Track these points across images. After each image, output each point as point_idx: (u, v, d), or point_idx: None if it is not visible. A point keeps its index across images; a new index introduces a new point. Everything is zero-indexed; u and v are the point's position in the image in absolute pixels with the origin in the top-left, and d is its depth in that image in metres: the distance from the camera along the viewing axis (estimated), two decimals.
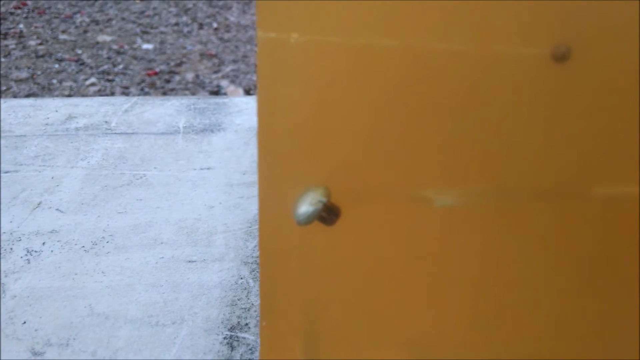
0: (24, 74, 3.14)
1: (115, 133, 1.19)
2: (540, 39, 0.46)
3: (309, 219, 0.51)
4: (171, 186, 1.01)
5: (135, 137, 1.18)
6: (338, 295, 0.57)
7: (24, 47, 3.59)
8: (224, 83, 3.12)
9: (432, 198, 0.52)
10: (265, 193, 0.52)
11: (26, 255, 0.83)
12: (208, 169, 1.07)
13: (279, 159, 0.50)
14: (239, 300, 0.74)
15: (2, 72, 3.16)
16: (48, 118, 1.26)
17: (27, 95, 2.88)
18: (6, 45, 3.52)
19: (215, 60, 3.42)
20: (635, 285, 0.55)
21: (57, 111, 1.29)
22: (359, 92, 0.47)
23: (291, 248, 0.55)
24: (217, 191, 0.99)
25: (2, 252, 0.83)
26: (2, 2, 3.59)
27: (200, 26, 3.95)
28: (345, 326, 0.60)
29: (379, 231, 0.53)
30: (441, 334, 0.60)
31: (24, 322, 0.71)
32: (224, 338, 0.68)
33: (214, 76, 3.23)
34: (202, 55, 3.53)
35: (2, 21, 3.80)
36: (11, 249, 0.85)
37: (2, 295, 0.75)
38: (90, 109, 1.31)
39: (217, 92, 2.99)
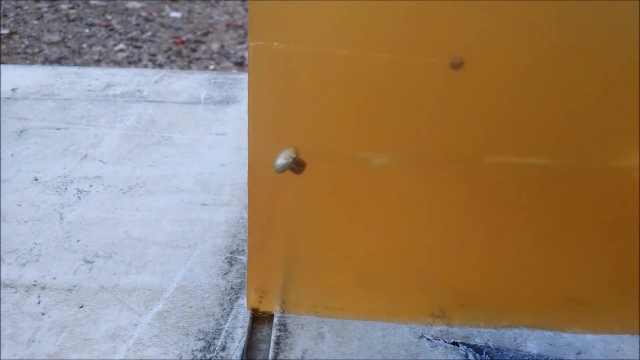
0: (55, 37, 3.43)
1: (146, 101, 1.49)
2: (443, 52, 0.73)
3: (283, 169, 0.79)
4: (192, 147, 1.30)
5: (164, 105, 1.48)
6: (305, 228, 0.85)
7: (56, 11, 3.87)
8: None
9: (371, 158, 0.79)
10: (253, 153, 0.79)
11: (77, 193, 1.14)
12: (222, 134, 1.36)
13: (263, 130, 0.78)
14: (239, 233, 1.03)
15: (34, 34, 3.46)
16: (90, 85, 1.56)
17: (59, 58, 3.16)
18: (39, 8, 3.81)
19: (241, 31, 3.66)
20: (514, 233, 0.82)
21: (97, 79, 1.59)
22: (318, 85, 0.75)
23: (270, 192, 0.83)
24: (229, 153, 1.28)
25: (59, 190, 1.14)
26: None
27: None
28: (311, 253, 0.87)
29: (333, 179, 0.81)
30: (382, 258, 0.87)
31: (78, 240, 1.01)
32: (225, 258, 0.98)
33: (238, 47, 3.47)
34: (228, 25, 3.76)
35: None
36: (65, 188, 1.15)
37: (60, 221, 1.05)
38: (125, 78, 1.61)
39: (241, 63, 3.24)
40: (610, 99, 0.75)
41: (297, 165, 0.79)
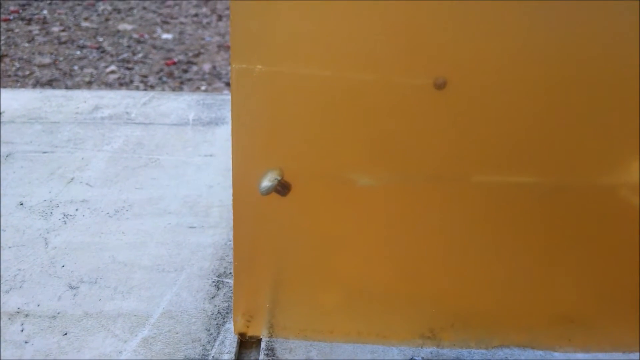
0: (46, 60, 3.42)
1: (134, 123, 1.48)
2: (427, 72, 0.73)
3: (268, 191, 0.78)
4: (179, 169, 1.30)
5: (152, 126, 1.47)
6: (291, 251, 0.84)
7: (47, 33, 3.86)
8: None
9: (357, 179, 0.79)
10: (237, 176, 0.78)
11: (63, 218, 1.12)
12: (211, 155, 1.35)
13: (247, 152, 0.77)
14: (226, 256, 1.02)
15: (25, 57, 3.45)
16: (78, 107, 1.55)
17: (50, 81, 3.15)
18: (30, 31, 3.81)
19: None
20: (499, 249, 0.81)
21: (85, 102, 1.59)
22: (302, 106, 0.74)
23: (255, 214, 0.82)
24: (217, 174, 1.28)
25: (44, 215, 1.12)
26: None
27: (219, 18, 4.16)
28: (298, 275, 0.86)
29: (319, 201, 0.80)
30: (370, 279, 0.86)
31: (63, 266, 1.00)
32: (213, 282, 0.96)
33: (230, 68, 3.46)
34: (220, 46, 3.76)
35: (26, 7, 4.06)
36: (51, 213, 1.14)
37: (45, 246, 1.04)
38: (113, 100, 1.60)
39: None
40: (597, 117, 0.75)
41: (282, 188, 0.79)
